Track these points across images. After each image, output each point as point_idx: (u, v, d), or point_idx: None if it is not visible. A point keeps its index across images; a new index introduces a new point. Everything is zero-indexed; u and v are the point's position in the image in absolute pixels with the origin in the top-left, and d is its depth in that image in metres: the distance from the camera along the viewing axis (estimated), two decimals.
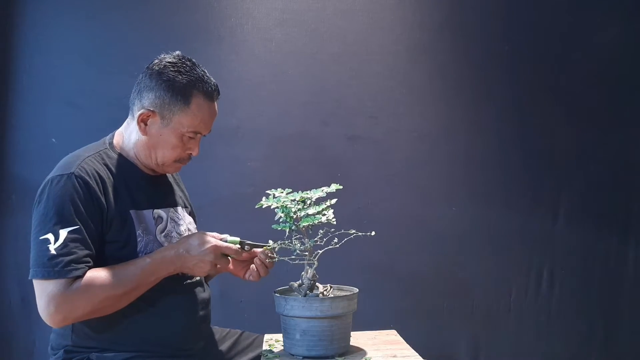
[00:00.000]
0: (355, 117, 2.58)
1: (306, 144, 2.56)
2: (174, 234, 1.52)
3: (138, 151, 1.48)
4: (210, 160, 2.41)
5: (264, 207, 1.43)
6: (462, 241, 2.59)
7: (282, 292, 1.49)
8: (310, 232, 1.43)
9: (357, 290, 1.48)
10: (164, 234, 1.49)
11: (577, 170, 2.65)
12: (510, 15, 2.65)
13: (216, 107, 1.50)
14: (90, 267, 1.34)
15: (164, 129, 1.44)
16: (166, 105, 1.42)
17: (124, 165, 1.48)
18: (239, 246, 1.46)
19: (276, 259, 1.47)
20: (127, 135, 1.50)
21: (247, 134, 2.54)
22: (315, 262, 1.44)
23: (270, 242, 1.46)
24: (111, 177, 1.43)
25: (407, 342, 1.60)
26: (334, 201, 1.45)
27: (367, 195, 2.56)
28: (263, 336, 1.70)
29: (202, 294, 1.55)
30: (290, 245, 1.43)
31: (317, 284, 1.46)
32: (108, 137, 1.54)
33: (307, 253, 1.43)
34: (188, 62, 1.46)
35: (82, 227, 1.33)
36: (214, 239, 1.42)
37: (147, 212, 1.47)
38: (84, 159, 1.41)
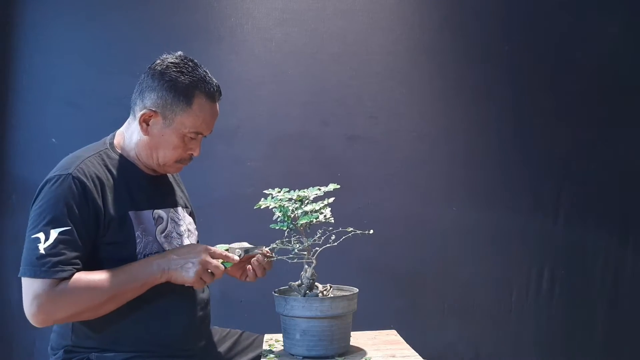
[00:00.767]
0: (355, 117, 2.58)
1: (306, 144, 2.56)
2: (174, 234, 1.52)
3: (139, 151, 1.48)
4: (210, 160, 2.41)
5: (262, 207, 1.43)
6: (462, 241, 2.59)
7: (282, 292, 1.49)
8: (309, 231, 1.43)
9: (357, 290, 1.48)
10: (164, 234, 1.48)
11: (577, 170, 2.65)
12: (510, 15, 2.66)
13: (218, 107, 1.50)
14: (78, 269, 1.33)
15: (166, 129, 1.44)
16: (168, 105, 1.43)
17: (125, 165, 1.48)
18: (228, 253, 1.45)
19: (274, 259, 1.48)
20: (129, 135, 1.50)
21: (247, 134, 2.54)
22: (314, 261, 1.44)
23: (264, 248, 1.47)
24: (110, 178, 1.43)
25: (407, 342, 1.60)
26: (331, 200, 1.45)
27: (367, 195, 2.56)
28: (263, 336, 1.70)
29: (201, 294, 1.55)
30: (288, 245, 1.43)
31: (316, 283, 1.46)
32: (109, 137, 1.54)
33: (305, 252, 1.43)
34: (190, 63, 1.46)
35: (73, 229, 1.32)
36: (204, 245, 1.41)
37: (146, 213, 1.47)
38: (84, 160, 1.40)
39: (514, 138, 2.64)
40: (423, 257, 2.57)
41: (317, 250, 1.44)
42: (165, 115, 1.43)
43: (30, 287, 1.31)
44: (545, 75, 2.66)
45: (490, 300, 2.60)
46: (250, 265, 1.51)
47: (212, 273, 1.39)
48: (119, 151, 1.50)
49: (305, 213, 1.40)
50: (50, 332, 1.48)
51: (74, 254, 1.32)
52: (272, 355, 1.45)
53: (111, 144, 1.51)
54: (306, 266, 1.44)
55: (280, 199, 1.42)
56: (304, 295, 1.43)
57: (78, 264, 1.33)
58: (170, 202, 1.58)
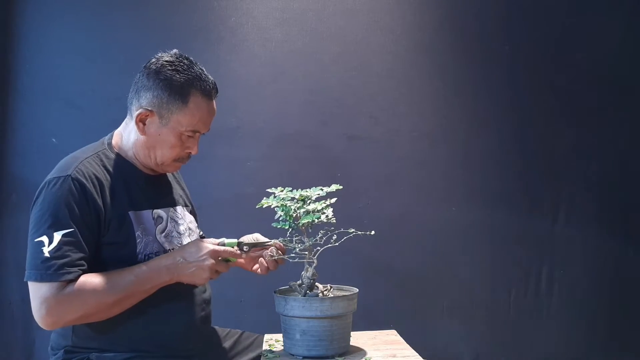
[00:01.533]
0: (355, 117, 2.58)
1: (306, 144, 2.56)
2: (174, 233, 1.51)
3: (137, 151, 1.48)
4: (210, 160, 2.41)
5: (264, 207, 1.43)
6: (462, 241, 2.59)
7: (282, 292, 1.49)
8: (310, 231, 1.43)
9: (357, 290, 1.48)
10: (164, 234, 1.48)
11: (577, 170, 2.65)
12: (510, 16, 2.66)
13: (215, 105, 1.49)
14: (84, 270, 1.33)
15: (163, 129, 1.43)
16: (164, 104, 1.42)
17: (123, 165, 1.47)
18: (237, 248, 1.45)
19: (285, 257, 1.47)
20: (126, 135, 1.49)
21: (247, 134, 2.54)
22: (315, 261, 1.43)
23: (273, 241, 1.46)
24: (109, 179, 1.42)
25: (407, 342, 1.60)
26: (333, 200, 1.45)
27: (367, 195, 2.56)
28: (263, 336, 1.70)
29: (202, 294, 1.54)
30: (290, 245, 1.43)
31: (317, 283, 1.46)
32: (107, 137, 1.54)
33: (306, 252, 1.43)
34: (185, 61, 1.44)
35: (76, 230, 1.32)
36: (211, 244, 1.40)
37: (146, 213, 1.46)
38: (82, 161, 1.40)
39: (513, 138, 2.64)
40: (423, 257, 2.58)
41: (318, 250, 1.44)
42: (162, 114, 1.42)
43: (37, 291, 1.30)
44: (545, 75, 2.66)
45: (489, 300, 2.60)
46: (262, 259, 1.50)
47: (217, 271, 1.41)
48: (117, 151, 1.49)
49: (308, 213, 1.40)
50: (50, 332, 1.48)
51: (78, 255, 1.32)
52: (272, 355, 1.45)
53: (109, 144, 1.50)
54: (307, 266, 1.44)
55: (282, 198, 1.42)
56: (305, 295, 1.43)
57: (83, 265, 1.33)
58: (169, 201, 1.57)
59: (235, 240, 1.46)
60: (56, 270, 1.28)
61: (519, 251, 2.62)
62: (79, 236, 1.32)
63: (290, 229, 1.43)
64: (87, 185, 1.35)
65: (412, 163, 2.60)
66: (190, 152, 1.49)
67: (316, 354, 1.39)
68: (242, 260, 1.58)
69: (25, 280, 1.32)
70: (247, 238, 1.53)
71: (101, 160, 1.44)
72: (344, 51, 2.59)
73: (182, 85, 1.41)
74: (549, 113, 2.66)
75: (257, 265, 1.54)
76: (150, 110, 1.42)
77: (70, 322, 1.35)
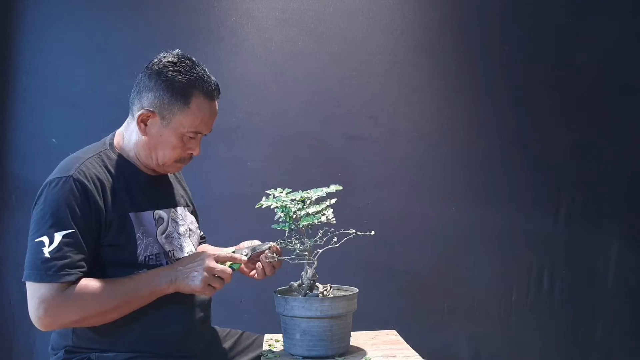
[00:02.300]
0: (355, 117, 2.58)
1: (306, 144, 2.56)
2: (174, 234, 1.51)
3: (138, 151, 1.47)
4: (210, 160, 2.41)
5: (263, 207, 1.43)
6: (462, 241, 2.59)
7: (282, 292, 1.49)
8: (310, 231, 1.43)
9: (357, 290, 1.48)
10: (164, 234, 1.48)
11: (577, 170, 2.65)
12: (510, 15, 2.66)
13: (217, 106, 1.49)
14: (84, 272, 1.33)
15: (164, 129, 1.43)
16: (166, 105, 1.41)
17: (124, 166, 1.47)
18: (234, 254, 1.45)
19: (275, 258, 1.47)
20: (128, 135, 1.49)
21: (247, 134, 2.54)
22: (315, 262, 1.43)
23: (272, 244, 1.47)
24: (111, 179, 1.42)
25: (407, 342, 1.60)
26: (333, 201, 1.45)
27: (367, 195, 2.56)
28: (263, 336, 1.70)
29: (202, 295, 1.54)
30: (290, 245, 1.43)
31: (317, 283, 1.46)
32: (108, 137, 1.53)
33: (306, 253, 1.43)
34: (188, 61, 1.44)
35: (77, 231, 1.32)
36: (212, 261, 1.38)
37: (147, 214, 1.46)
38: (84, 162, 1.40)
39: (514, 138, 2.64)
40: (423, 257, 2.57)
41: (318, 252, 1.44)
42: (163, 115, 1.42)
43: (36, 292, 1.30)
44: (545, 75, 2.66)
45: (490, 300, 2.60)
46: (259, 263, 1.50)
47: (220, 278, 1.38)
48: (118, 151, 1.49)
49: (308, 214, 1.40)
50: (50, 332, 1.48)
51: (79, 256, 1.32)
52: (272, 355, 1.45)
53: (111, 144, 1.50)
54: (307, 267, 1.44)
55: (282, 200, 1.42)
56: (305, 295, 1.43)
57: (83, 267, 1.33)
58: (170, 202, 1.57)
59: (232, 248, 1.47)
60: (57, 271, 1.28)
61: (519, 251, 2.62)
62: (80, 237, 1.32)
63: (290, 230, 1.42)
64: (89, 186, 1.35)
65: (412, 163, 2.60)
66: (191, 153, 1.49)
67: (316, 354, 1.39)
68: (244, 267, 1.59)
69: (23, 280, 1.32)
70: (246, 244, 1.53)
71: (102, 161, 1.44)
72: (344, 51, 2.59)
73: (184, 86, 1.41)
74: (549, 113, 2.66)
75: (254, 272, 1.54)
76: (152, 111, 1.42)
77: (66, 324, 1.35)
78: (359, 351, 1.48)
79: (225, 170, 2.52)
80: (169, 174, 1.61)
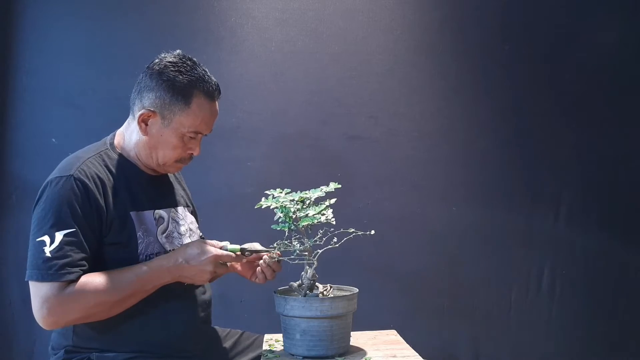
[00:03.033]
0: (355, 117, 2.58)
1: (306, 144, 2.56)
2: (175, 234, 1.51)
3: (139, 151, 1.48)
4: (210, 160, 2.41)
5: (263, 207, 1.43)
6: (462, 241, 2.59)
7: (282, 292, 1.49)
8: (310, 231, 1.43)
9: (357, 290, 1.48)
10: (165, 234, 1.48)
11: (577, 170, 2.65)
12: (510, 15, 2.66)
13: (217, 106, 1.49)
14: (85, 271, 1.33)
15: (165, 129, 1.43)
16: (167, 105, 1.42)
17: (125, 165, 1.48)
18: (240, 253, 1.45)
19: (276, 259, 1.48)
20: (128, 135, 1.50)
21: (247, 133, 2.54)
22: (315, 262, 1.44)
23: (275, 245, 1.47)
24: (111, 179, 1.42)
25: (407, 342, 1.60)
26: (333, 201, 1.45)
27: (367, 195, 2.56)
28: (263, 336, 1.70)
29: (203, 295, 1.55)
30: (289, 246, 1.43)
31: (316, 283, 1.46)
32: (109, 137, 1.54)
33: (306, 253, 1.43)
34: (189, 62, 1.45)
35: (78, 230, 1.32)
36: (213, 248, 1.40)
37: (147, 213, 1.46)
38: (84, 161, 1.40)
39: (513, 138, 2.64)
40: (423, 257, 2.57)
41: (318, 252, 1.44)
42: (164, 115, 1.42)
43: (38, 291, 1.30)
44: (545, 75, 2.66)
45: (490, 300, 2.60)
46: (259, 267, 1.51)
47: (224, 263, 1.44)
48: (119, 151, 1.50)
49: (307, 215, 1.40)
50: (50, 332, 1.48)
51: (80, 255, 1.32)
52: (272, 355, 1.45)
53: (111, 144, 1.50)
54: (307, 267, 1.44)
55: (282, 200, 1.42)
56: (305, 295, 1.43)
57: (85, 266, 1.33)
58: (170, 202, 1.57)
59: (238, 247, 1.46)
60: (57, 270, 1.28)
61: (519, 251, 2.62)
62: (81, 236, 1.32)
63: (290, 230, 1.43)
64: (90, 185, 1.36)
65: (412, 163, 2.60)
66: (192, 153, 1.50)
67: (316, 354, 1.39)
68: (239, 268, 1.59)
69: (26, 279, 1.32)
70: (248, 246, 1.53)
71: (103, 160, 1.44)
72: (344, 51, 2.59)
73: (185, 86, 1.41)
74: (549, 113, 2.66)
75: (255, 277, 1.55)
76: (153, 111, 1.42)
77: (71, 322, 1.35)
78: (359, 351, 1.49)
79: (225, 170, 2.52)
80: (169, 174, 1.61)
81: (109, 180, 1.41)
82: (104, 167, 1.43)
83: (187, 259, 1.38)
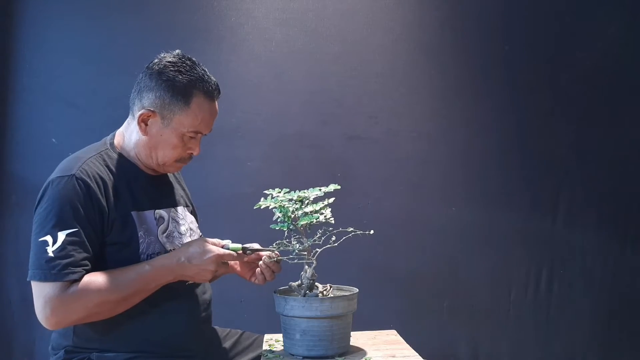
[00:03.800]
0: (355, 116, 2.58)
1: (306, 144, 2.56)
2: (175, 234, 1.51)
3: (139, 151, 1.48)
4: (210, 160, 2.41)
5: (262, 207, 1.43)
6: (462, 241, 2.59)
7: (282, 292, 1.49)
8: (309, 231, 1.43)
9: (357, 290, 1.48)
10: (165, 234, 1.48)
11: (577, 170, 2.65)
12: (510, 16, 2.66)
13: (217, 106, 1.49)
14: (88, 271, 1.33)
15: (165, 129, 1.43)
16: (166, 105, 1.42)
17: (125, 165, 1.48)
18: (241, 252, 1.46)
19: (274, 259, 1.48)
20: (128, 135, 1.49)
21: (247, 134, 2.54)
22: (314, 262, 1.44)
23: (274, 245, 1.47)
24: (112, 179, 1.42)
25: (407, 342, 1.60)
26: (331, 200, 1.45)
27: (367, 195, 2.56)
28: (263, 336, 1.70)
29: (203, 295, 1.55)
30: (288, 246, 1.43)
31: (316, 283, 1.46)
32: (109, 137, 1.54)
33: (305, 253, 1.43)
34: (188, 62, 1.45)
35: (81, 230, 1.32)
36: (215, 247, 1.40)
37: (148, 213, 1.46)
38: (85, 161, 1.40)
39: (513, 138, 2.64)
40: (423, 257, 2.58)
41: (317, 251, 1.44)
42: (164, 115, 1.42)
43: (41, 291, 1.30)
44: (545, 75, 2.66)
45: (489, 300, 2.60)
46: (259, 269, 1.51)
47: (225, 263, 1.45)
48: (119, 151, 1.50)
49: (306, 214, 1.40)
50: (50, 332, 1.48)
51: (82, 255, 1.32)
52: (272, 355, 1.45)
53: (111, 144, 1.50)
54: (306, 266, 1.44)
55: (280, 200, 1.42)
56: (304, 295, 1.43)
57: (87, 265, 1.33)
58: (170, 201, 1.57)
59: (239, 246, 1.46)
60: (60, 270, 1.28)
61: (518, 251, 2.62)
62: (83, 236, 1.32)
63: (288, 230, 1.43)
64: (92, 185, 1.36)
65: (412, 163, 2.60)
66: (192, 153, 1.50)
67: (316, 354, 1.39)
68: (238, 268, 1.59)
69: (28, 279, 1.32)
70: (248, 246, 1.53)
71: (104, 160, 1.44)
72: (344, 51, 2.59)
73: (184, 86, 1.41)
74: (549, 113, 2.66)
75: (254, 276, 1.55)
76: (153, 111, 1.42)
77: (74, 322, 1.35)
78: (359, 351, 1.48)
79: (225, 170, 2.52)
80: (168, 174, 1.61)
81: (110, 180, 1.41)
82: (104, 167, 1.43)
83: (189, 258, 1.38)
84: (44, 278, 1.29)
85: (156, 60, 1.45)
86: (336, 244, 1.42)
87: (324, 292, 1.45)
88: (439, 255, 2.59)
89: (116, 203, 1.40)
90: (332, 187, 1.44)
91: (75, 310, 1.31)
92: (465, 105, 2.62)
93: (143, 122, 1.44)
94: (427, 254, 2.58)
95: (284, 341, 1.47)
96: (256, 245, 1.53)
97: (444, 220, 2.59)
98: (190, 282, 1.46)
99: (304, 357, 1.40)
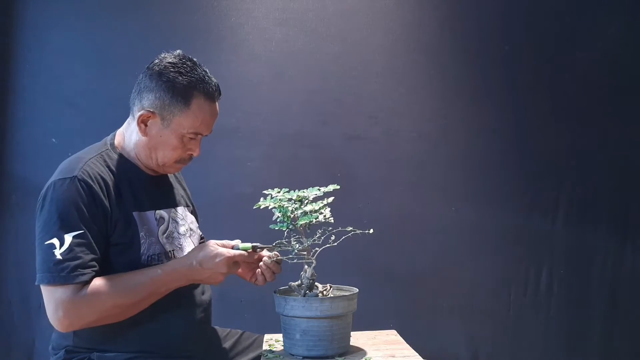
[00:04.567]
0: (355, 116, 2.58)
1: (306, 144, 2.56)
2: (175, 234, 1.51)
3: (138, 152, 1.47)
4: (210, 160, 2.41)
5: (261, 207, 1.43)
6: (461, 241, 2.59)
7: (282, 292, 1.49)
8: (309, 231, 1.43)
9: (357, 290, 1.48)
10: (165, 234, 1.48)
11: (577, 170, 2.65)
12: (510, 15, 2.66)
13: (217, 107, 1.49)
14: (96, 272, 1.33)
15: (164, 130, 1.43)
16: (166, 106, 1.41)
17: (126, 166, 1.47)
18: (251, 251, 1.46)
19: (274, 258, 1.48)
20: (128, 135, 1.49)
21: (247, 134, 2.54)
22: (314, 261, 1.44)
23: (275, 244, 1.47)
24: (114, 179, 1.42)
25: (407, 342, 1.60)
26: (330, 199, 1.45)
27: (367, 195, 2.56)
28: (263, 336, 1.70)
29: (202, 296, 1.55)
30: (287, 246, 1.43)
31: (316, 283, 1.46)
32: (109, 137, 1.54)
33: (305, 252, 1.43)
34: (189, 63, 1.44)
35: (86, 231, 1.32)
36: (225, 249, 1.40)
37: (149, 214, 1.46)
38: (86, 162, 1.40)
39: (513, 138, 2.64)
40: (423, 257, 2.57)
41: (316, 251, 1.44)
42: (164, 116, 1.42)
43: (52, 295, 1.30)
44: (545, 75, 2.66)
45: (489, 300, 2.60)
46: (259, 269, 1.51)
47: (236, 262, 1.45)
48: (120, 151, 1.49)
49: (305, 213, 1.40)
50: (50, 332, 1.48)
51: (90, 256, 1.32)
52: (272, 355, 1.46)
53: (112, 144, 1.50)
54: (306, 266, 1.44)
55: (279, 200, 1.42)
56: (304, 295, 1.43)
57: (95, 267, 1.33)
58: (171, 202, 1.57)
59: (249, 245, 1.46)
60: (69, 272, 1.28)
61: (518, 251, 2.62)
62: (90, 237, 1.32)
63: (288, 230, 1.43)
64: (94, 186, 1.36)
65: (412, 163, 2.60)
66: (192, 154, 1.49)
67: (316, 354, 1.40)
68: (239, 270, 1.59)
69: (37, 284, 1.32)
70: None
71: (105, 161, 1.44)
72: (344, 51, 2.59)
73: (184, 87, 1.41)
74: (549, 113, 2.66)
75: (255, 279, 1.55)
76: (152, 112, 1.42)
77: (86, 324, 1.34)
78: (359, 351, 1.49)
79: (225, 170, 2.52)
80: (169, 174, 1.61)
81: (111, 181, 1.41)
82: (105, 167, 1.43)
83: (201, 262, 1.38)
84: (53, 281, 1.29)
85: (157, 61, 1.45)
86: (335, 244, 1.42)
87: (324, 292, 1.45)
88: (439, 255, 2.58)
89: (118, 203, 1.40)
90: (331, 187, 1.44)
91: (87, 313, 1.31)
92: (465, 105, 2.62)
93: (143, 122, 1.43)
94: (427, 254, 2.58)
95: (284, 341, 1.47)
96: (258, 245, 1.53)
97: (444, 220, 2.59)
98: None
99: (304, 357, 1.40)
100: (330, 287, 1.50)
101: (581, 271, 2.64)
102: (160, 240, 1.46)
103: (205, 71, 1.46)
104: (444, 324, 2.57)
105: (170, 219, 1.52)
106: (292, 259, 1.44)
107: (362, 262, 2.50)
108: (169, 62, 1.43)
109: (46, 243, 1.30)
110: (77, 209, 1.32)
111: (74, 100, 2.48)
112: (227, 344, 1.66)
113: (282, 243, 1.45)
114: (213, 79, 1.46)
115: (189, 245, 1.55)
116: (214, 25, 2.54)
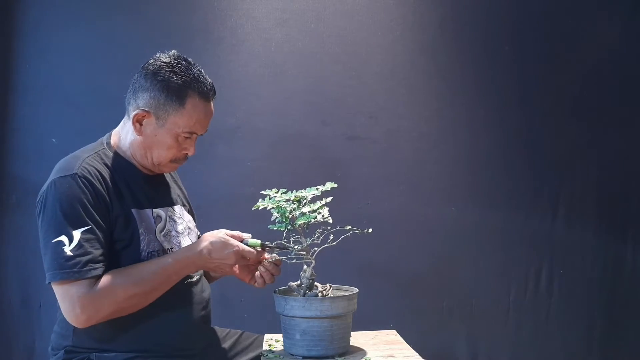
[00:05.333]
0: (355, 117, 2.58)
1: (306, 144, 2.56)
2: (172, 232, 1.52)
3: (134, 151, 1.48)
4: (210, 160, 2.41)
5: (260, 208, 1.43)
6: (462, 241, 2.59)
7: (281, 292, 1.49)
8: (307, 231, 1.44)
9: (357, 290, 1.48)
10: (163, 233, 1.48)
11: (576, 170, 2.65)
12: (510, 15, 2.65)
13: (212, 106, 1.49)
14: (106, 266, 1.34)
15: (159, 130, 1.43)
16: (161, 105, 1.42)
17: (122, 164, 1.48)
18: (260, 249, 1.46)
19: (274, 260, 1.48)
20: (124, 135, 1.50)
21: (247, 134, 2.54)
22: (313, 261, 1.44)
23: (275, 244, 1.47)
24: (112, 176, 1.43)
25: (406, 342, 1.60)
26: (329, 199, 1.45)
27: (367, 195, 2.56)
28: (263, 336, 1.70)
29: (202, 293, 1.55)
30: (288, 248, 1.44)
31: (316, 283, 1.46)
32: (105, 137, 1.54)
33: (304, 252, 1.43)
34: (183, 62, 1.44)
35: (93, 227, 1.33)
36: (236, 241, 1.43)
37: (147, 212, 1.47)
38: (85, 159, 1.40)
39: (513, 138, 2.64)
40: (423, 257, 2.57)
41: (315, 251, 1.44)
42: (158, 115, 1.42)
43: (67, 292, 1.30)
44: (545, 75, 2.66)
45: (489, 300, 2.60)
46: (258, 272, 1.51)
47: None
48: (116, 150, 1.50)
49: (303, 213, 1.40)
50: (50, 332, 1.48)
51: (100, 251, 1.33)
52: (272, 355, 1.46)
53: (108, 143, 1.51)
54: (305, 266, 1.44)
55: (277, 200, 1.42)
56: (304, 295, 1.43)
57: (105, 261, 1.34)
58: (167, 201, 1.58)
59: (258, 242, 1.46)
60: (82, 267, 1.29)
61: (518, 251, 2.62)
62: (97, 232, 1.33)
63: (286, 230, 1.43)
64: (94, 182, 1.36)
65: (412, 163, 2.60)
66: (187, 153, 1.50)
67: (316, 354, 1.39)
68: (237, 271, 1.59)
69: (48, 282, 1.32)
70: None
71: (102, 159, 1.44)
72: (344, 51, 2.59)
73: (179, 86, 1.41)
74: (549, 113, 2.66)
75: (254, 279, 1.55)
76: (147, 111, 1.42)
77: (103, 318, 1.34)
78: (359, 351, 1.49)
79: (225, 170, 2.52)
80: (165, 173, 1.61)
81: (110, 178, 1.42)
82: (103, 165, 1.43)
83: (210, 251, 1.40)
84: (66, 277, 1.29)
85: (151, 61, 1.45)
86: (334, 243, 1.42)
87: (324, 292, 1.45)
88: (438, 255, 2.58)
89: (118, 200, 1.41)
90: (328, 185, 1.44)
91: (104, 306, 1.32)
92: (465, 105, 2.62)
93: (138, 122, 1.44)
94: (427, 254, 2.58)
95: (284, 341, 1.47)
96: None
97: (444, 220, 2.59)
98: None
99: (304, 357, 1.40)
100: (330, 287, 1.50)
101: (581, 271, 2.64)
102: (158, 238, 1.46)
103: (200, 71, 1.46)
104: (443, 324, 2.57)
105: (168, 218, 1.52)
106: (292, 259, 1.44)
107: (362, 262, 2.50)
108: (163, 62, 1.43)
109: (54, 241, 1.30)
110: (82, 205, 1.33)
111: (74, 100, 2.48)
112: (226, 344, 1.66)
113: (282, 243, 1.45)
114: (208, 78, 1.47)
115: (187, 243, 1.55)
116: (214, 25, 2.54)
